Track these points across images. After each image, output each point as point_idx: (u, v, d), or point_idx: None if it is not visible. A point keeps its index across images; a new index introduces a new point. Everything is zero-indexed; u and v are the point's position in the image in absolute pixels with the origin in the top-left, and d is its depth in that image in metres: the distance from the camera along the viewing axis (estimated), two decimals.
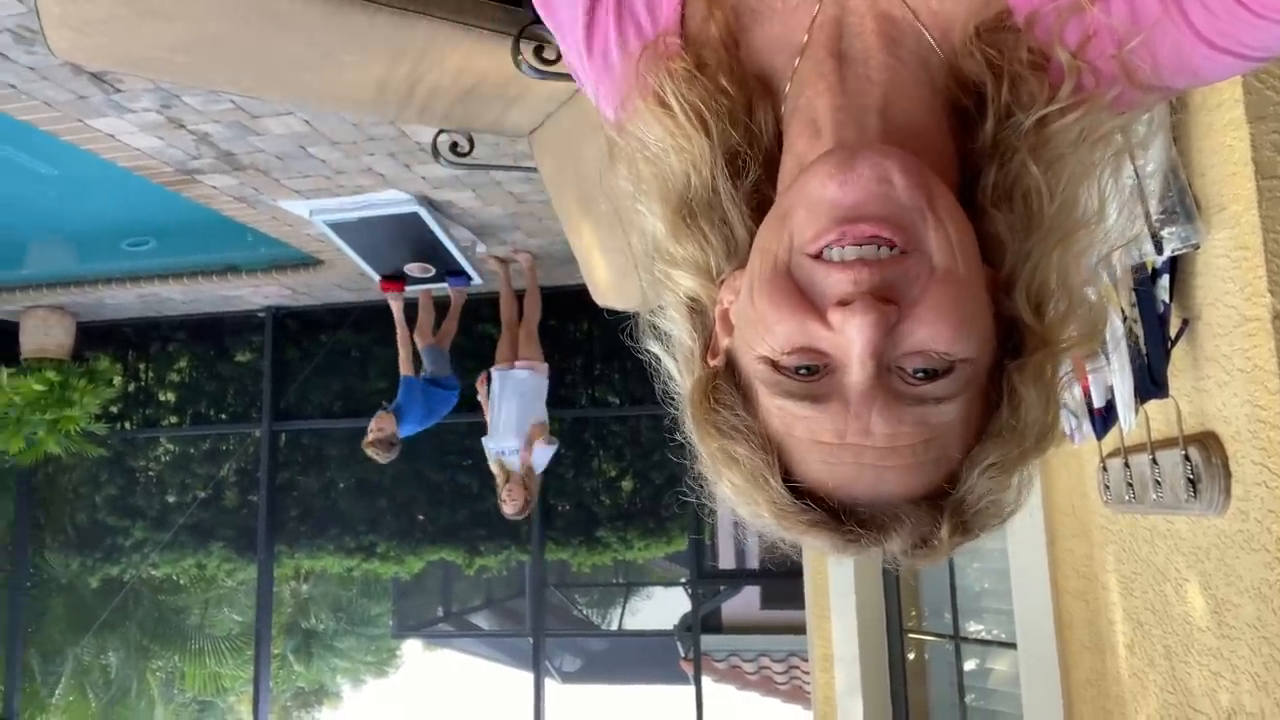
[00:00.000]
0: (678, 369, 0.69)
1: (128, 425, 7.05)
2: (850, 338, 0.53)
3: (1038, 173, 0.61)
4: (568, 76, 1.96)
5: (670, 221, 0.68)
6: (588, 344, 6.41)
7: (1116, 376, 1.61)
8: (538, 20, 1.94)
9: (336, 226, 4.78)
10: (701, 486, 0.66)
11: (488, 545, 6.58)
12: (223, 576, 7.41)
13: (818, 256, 0.55)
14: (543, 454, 5.01)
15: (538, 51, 1.96)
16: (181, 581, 7.70)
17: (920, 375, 0.55)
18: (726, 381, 0.62)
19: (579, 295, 5.80)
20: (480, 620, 12.54)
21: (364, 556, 6.68)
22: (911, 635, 3.04)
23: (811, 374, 0.56)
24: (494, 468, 5.04)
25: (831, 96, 0.63)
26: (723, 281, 0.66)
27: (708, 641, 9.48)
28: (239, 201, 4.58)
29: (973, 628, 2.99)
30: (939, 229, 0.55)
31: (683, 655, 9.32)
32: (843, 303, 0.53)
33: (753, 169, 0.67)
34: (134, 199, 4.83)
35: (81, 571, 7.21)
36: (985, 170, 0.63)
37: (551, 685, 11.12)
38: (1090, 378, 1.74)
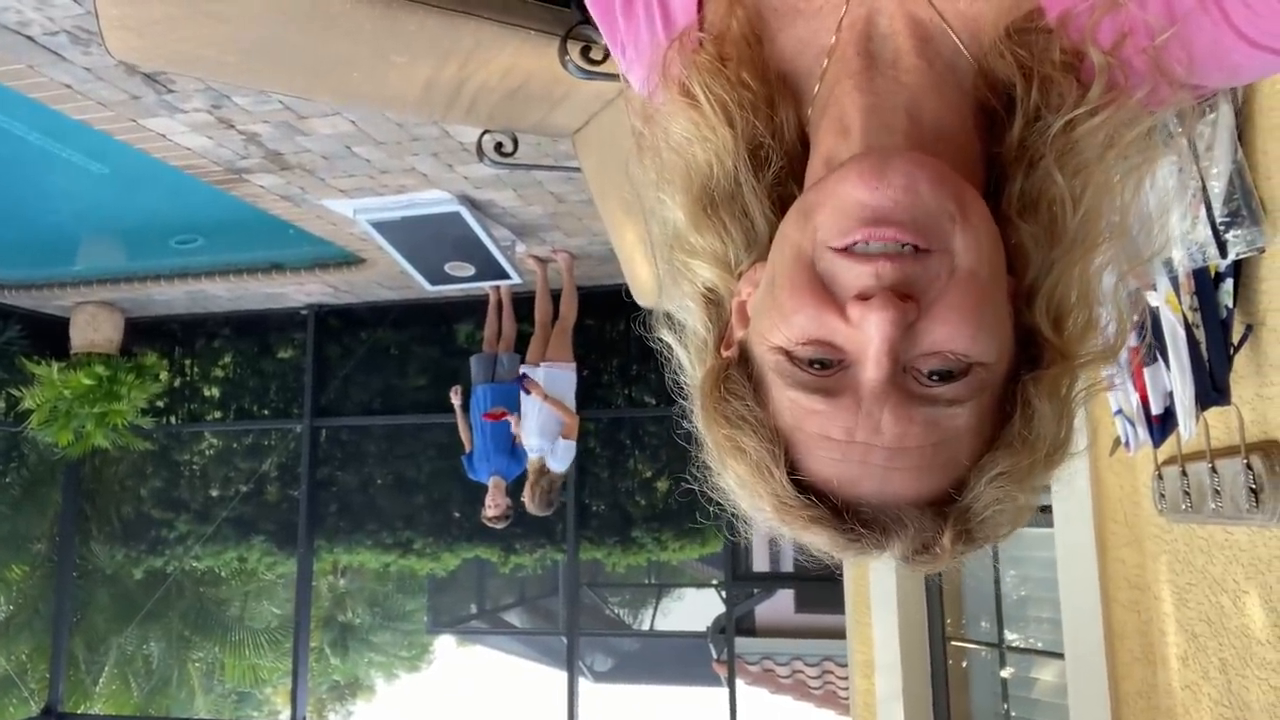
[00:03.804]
0: (689, 359, 0.69)
1: (173, 420, 7.18)
2: (868, 334, 0.53)
3: (1063, 182, 0.60)
4: (613, 77, 1.97)
5: (691, 211, 0.68)
6: (624, 344, 6.41)
7: (1177, 383, 1.57)
8: (584, 21, 1.95)
9: (380, 225, 4.83)
10: (705, 477, 0.65)
11: (523, 544, 6.61)
12: (263, 570, 7.52)
13: (840, 251, 0.55)
14: (566, 449, 5.07)
15: (584, 52, 1.96)
16: (223, 574, 7.83)
17: (935, 378, 0.55)
18: (739, 372, 0.62)
19: (617, 295, 5.86)
20: (513, 618, 12.62)
21: (401, 553, 6.75)
22: (954, 642, 3.00)
23: (825, 369, 0.56)
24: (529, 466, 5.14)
25: (860, 96, 0.63)
26: (741, 274, 0.66)
27: (741, 644, 9.42)
28: (285, 200, 4.64)
29: (1016, 636, 2.94)
30: (966, 231, 0.55)
31: (715, 657, 9.29)
32: (862, 297, 0.53)
33: (775, 161, 0.67)
34: (183, 197, 4.91)
35: (126, 563, 7.36)
36: (1012, 177, 0.62)
37: (583, 684, 11.17)
38: (1148, 384, 1.70)
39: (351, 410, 6.81)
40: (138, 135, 3.84)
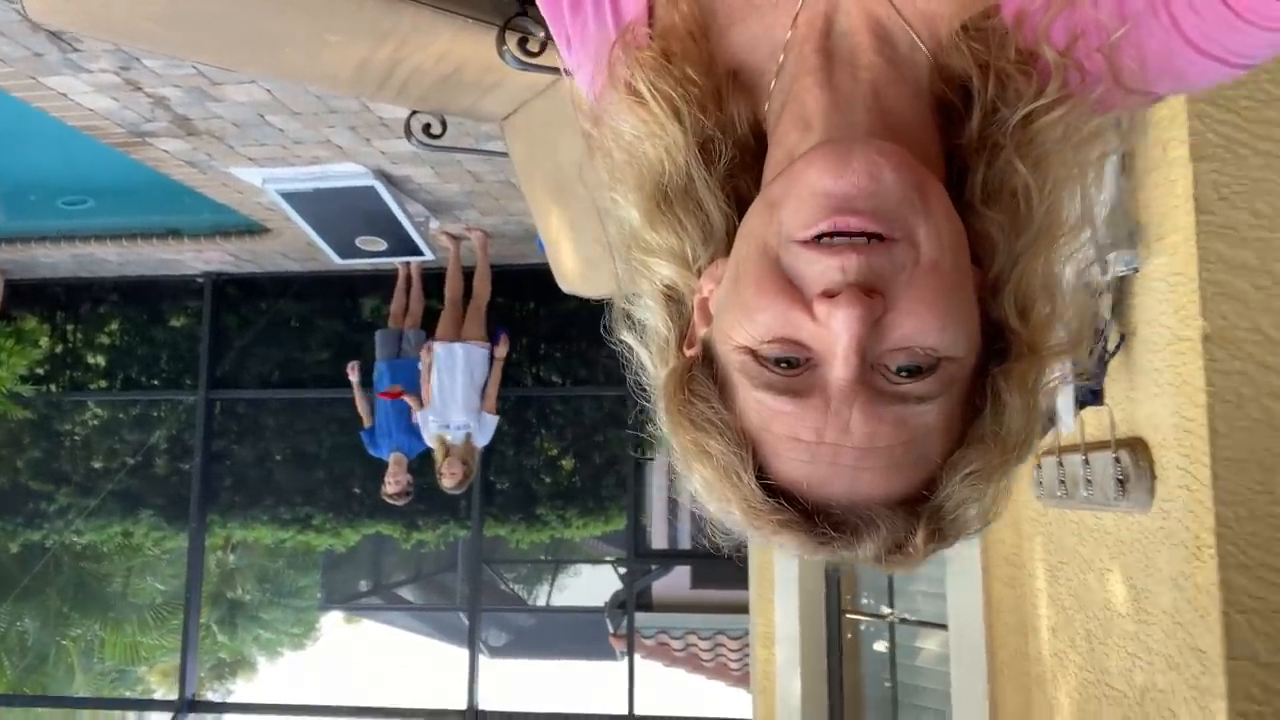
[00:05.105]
0: (651, 359, 0.68)
1: (54, 388, 6.83)
2: (835, 332, 0.52)
3: (1025, 171, 0.61)
4: (549, 69, 2.03)
5: (645, 209, 0.67)
6: (534, 323, 6.44)
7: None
8: (523, 13, 2.00)
9: (290, 196, 4.72)
10: (672, 481, 0.65)
11: (426, 520, 6.59)
12: (150, 545, 7.26)
13: (806, 244, 0.55)
14: (491, 422, 5.15)
15: (522, 43, 2.01)
16: (105, 549, 7.52)
17: (903, 374, 0.54)
18: (703, 373, 0.61)
19: (528, 275, 5.90)
20: (408, 594, 12.52)
21: (299, 528, 6.63)
22: (849, 615, 3.20)
23: (792, 367, 0.55)
24: (432, 442, 5.11)
25: (821, 92, 0.63)
26: (700, 270, 0.66)
27: (638, 619, 9.62)
28: (189, 166, 4.49)
29: (904, 609, 3.17)
30: (929, 222, 0.55)
31: (612, 631, 9.46)
32: (828, 294, 0.52)
33: (726, 155, 0.66)
34: (74, 157, 4.68)
35: (0, 537, 7.00)
36: (974, 169, 0.63)
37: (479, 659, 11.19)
38: None
39: (249, 383, 6.62)
40: (37, 94, 3.66)
